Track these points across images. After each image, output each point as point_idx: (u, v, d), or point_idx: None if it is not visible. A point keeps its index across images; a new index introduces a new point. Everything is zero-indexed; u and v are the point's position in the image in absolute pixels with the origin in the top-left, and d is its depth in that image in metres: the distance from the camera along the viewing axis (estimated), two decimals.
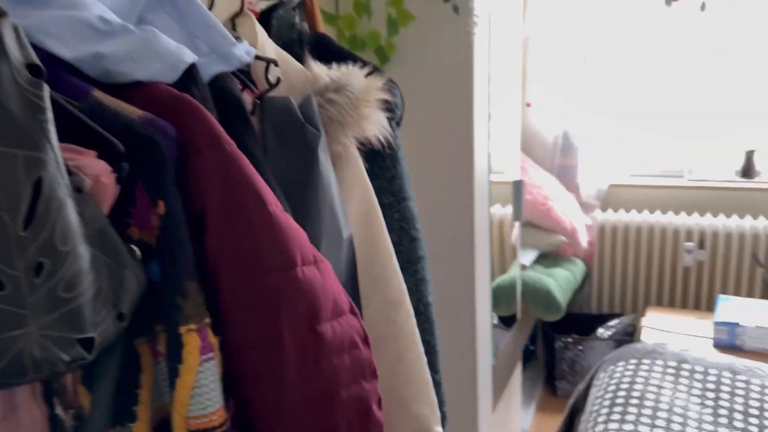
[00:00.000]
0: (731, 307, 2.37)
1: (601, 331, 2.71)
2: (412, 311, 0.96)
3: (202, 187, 0.57)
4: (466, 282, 1.68)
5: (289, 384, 0.56)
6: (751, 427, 1.37)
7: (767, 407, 1.43)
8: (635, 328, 2.72)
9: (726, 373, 1.57)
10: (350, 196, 0.91)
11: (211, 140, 0.58)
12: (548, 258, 2.69)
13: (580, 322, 2.87)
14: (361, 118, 0.87)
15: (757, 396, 1.48)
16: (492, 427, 1.92)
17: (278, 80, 0.78)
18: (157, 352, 0.57)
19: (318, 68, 0.87)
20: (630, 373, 1.61)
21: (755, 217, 2.68)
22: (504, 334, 2.22)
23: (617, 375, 1.62)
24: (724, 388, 1.51)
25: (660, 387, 1.53)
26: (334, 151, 0.87)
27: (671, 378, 1.57)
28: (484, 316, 1.78)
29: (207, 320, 0.57)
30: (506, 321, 2.36)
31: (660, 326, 2.48)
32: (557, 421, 2.59)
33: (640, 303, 2.86)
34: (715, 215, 2.75)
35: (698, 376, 1.56)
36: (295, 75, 0.88)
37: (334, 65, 0.90)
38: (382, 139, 0.93)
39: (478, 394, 1.75)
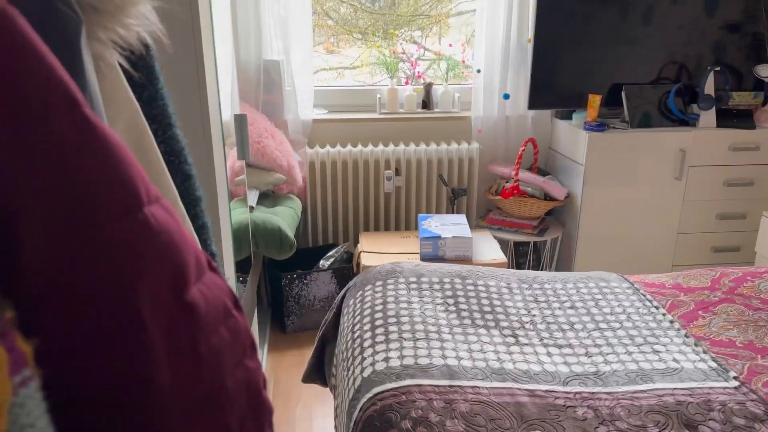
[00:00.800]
0: (430, 224, 2.68)
1: (323, 263, 2.79)
2: None
3: None
4: (212, 231, 1.50)
5: (161, 393, 0.38)
6: (489, 323, 1.56)
7: (495, 303, 1.65)
8: (352, 255, 2.87)
9: (457, 280, 1.75)
10: (115, 118, 0.68)
11: None
12: (268, 198, 2.63)
13: (301, 257, 2.92)
14: (125, 6, 0.64)
15: (485, 295, 1.69)
16: None
17: None
18: None
19: None
20: (379, 294, 1.68)
21: (438, 143, 3.04)
22: (237, 284, 2.10)
23: (368, 298, 1.68)
24: (459, 293, 1.69)
25: (409, 302, 1.63)
26: (94, 53, 0.63)
27: (416, 292, 1.69)
28: (229, 270, 1.64)
29: (8, 314, 0.34)
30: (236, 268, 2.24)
31: (374, 249, 2.66)
32: (291, 357, 2.63)
33: (353, 231, 3.04)
34: (406, 144, 3.03)
35: (436, 287, 1.71)
36: None
37: None
38: (148, 41, 0.72)
39: None
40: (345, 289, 1.85)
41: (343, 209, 3.02)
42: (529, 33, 2.90)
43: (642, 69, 2.92)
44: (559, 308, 1.65)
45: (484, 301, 1.66)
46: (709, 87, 2.82)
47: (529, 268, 2.99)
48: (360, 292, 1.74)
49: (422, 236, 2.55)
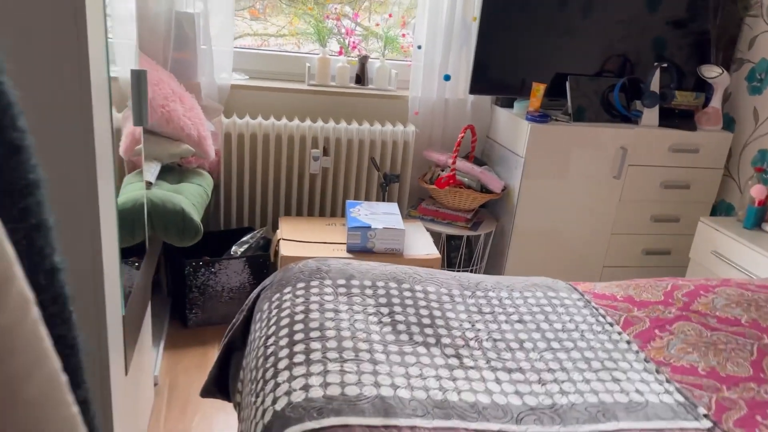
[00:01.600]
0: (359, 212, 2.42)
1: (235, 249, 2.47)
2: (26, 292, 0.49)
3: None
4: (88, 212, 1.17)
5: None
6: (429, 339, 1.33)
7: (436, 314, 1.42)
8: (270, 242, 2.57)
9: (392, 284, 1.51)
10: None
11: None
12: (173, 172, 2.27)
13: (209, 241, 2.58)
14: None
15: (424, 303, 1.45)
16: (125, 392, 1.50)
17: None
18: None
19: None
20: (301, 300, 1.41)
21: (371, 123, 2.77)
22: (129, 271, 1.76)
23: (287, 304, 1.40)
24: (394, 300, 1.45)
25: (336, 311, 1.37)
26: None
27: (344, 298, 1.43)
28: (112, 257, 1.31)
29: None
30: (127, 253, 1.90)
31: (295, 237, 2.38)
32: (192, 356, 2.31)
33: (271, 215, 2.72)
34: (336, 121, 2.74)
35: (368, 292, 1.46)
36: None
37: None
38: None
39: (109, 361, 1.30)
40: (259, 288, 1.56)
41: (262, 190, 2.70)
42: (475, 11, 2.68)
43: (585, 61, 2.77)
44: (506, 321, 1.44)
45: (423, 311, 1.42)
46: (655, 84, 2.71)
47: (460, 265, 2.81)
48: (277, 295, 1.46)
49: (350, 225, 2.29)
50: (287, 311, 1.37)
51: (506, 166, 2.75)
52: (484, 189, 2.70)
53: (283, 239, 2.36)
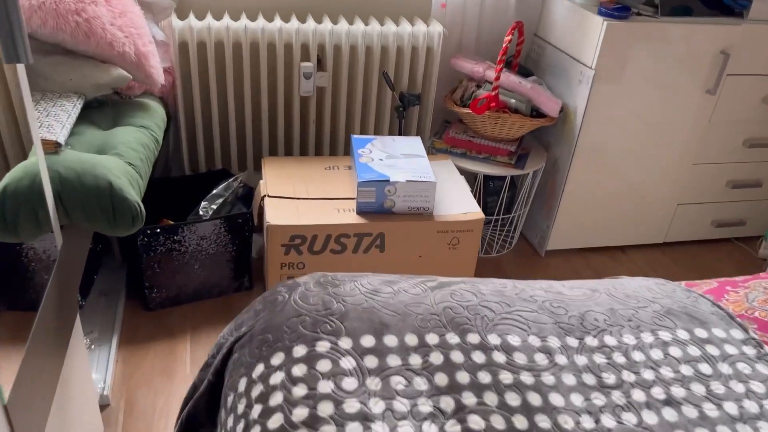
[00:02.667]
0: (370, 153, 1.76)
1: (205, 206, 1.84)
2: None
3: None
4: None
5: None
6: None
7: (533, 404, 0.83)
8: (251, 190, 1.93)
9: (451, 337, 0.90)
10: None
11: None
12: (104, 110, 1.58)
13: (173, 191, 1.94)
14: None
15: (509, 379, 0.86)
16: None
17: None
18: None
19: None
20: (302, 391, 0.81)
21: (381, 22, 2.03)
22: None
23: (277, 399, 0.81)
24: (460, 378, 0.85)
25: (366, 419, 0.78)
26: None
27: (377, 384, 0.83)
28: None
29: None
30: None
31: (284, 190, 1.74)
32: (156, 352, 1.69)
33: (251, 154, 2.06)
34: (334, 21, 2.00)
35: (415, 362, 0.86)
36: None
37: None
38: None
39: None
40: (231, 336, 0.96)
41: (237, 121, 2.01)
42: None
43: None
44: (648, 406, 0.86)
45: (513, 400, 0.83)
46: None
47: (500, 212, 2.19)
48: (261, 370, 0.86)
49: (361, 178, 1.65)
50: (278, 419, 0.78)
51: (564, 77, 2.05)
52: (534, 111, 2.02)
53: (269, 196, 1.72)
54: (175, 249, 1.76)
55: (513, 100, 1.97)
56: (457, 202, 1.77)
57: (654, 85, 1.96)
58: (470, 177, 2.30)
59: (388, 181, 1.64)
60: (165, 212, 1.96)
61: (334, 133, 2.10)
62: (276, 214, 1.65)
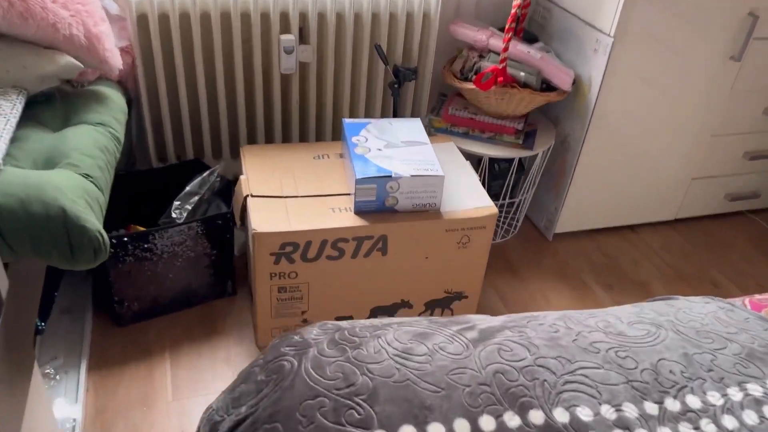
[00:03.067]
0: (366, 140, 1.55)
1: (178, 206, 1.60)
2: None
3: None
4: None
5: None
6: None
7: None
8: (229, 183, 1.70)
9: (510, 418, 0.72)
10: None
11: None
12: (52, 104, 1.32)
13: (136, 190, 1.70)
14: None
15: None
16: None
17: None
18: None
19: None
20: None
21: None
22: None
23: None
24: None
25: None
26: None
27: None
28: None
29: None
30: None
31: (269, 188, 1.52)
32: (131, 376, 1.47)
33: (228, 142, 1.82)
34: None
35: None
36: None
37: None
38: None
39: None
40: (229, 427, 0.76)
41: (210, 105, 1.76)
42: None
43: None
44: None
45: None
46: None
47: (505, 197, 2.00)
48: None
49: (359, 174, 1.43)
50: None
51: (574, 44, 1.84)
52: (543, 84, 1.81)
53: (253, 196, 1.50)
54: (146, 258, 1.53)
55: (522, 73, 1.75)
56: (466, 194, 1.57)
57: (674, 53, 1.77)
58: (473, 159, 2.10)
59: (390, 176, 1.43)
60: (132, 214, 1.72)
61: (320, 115, 1.86)
62: (262, 218, 1.43)
